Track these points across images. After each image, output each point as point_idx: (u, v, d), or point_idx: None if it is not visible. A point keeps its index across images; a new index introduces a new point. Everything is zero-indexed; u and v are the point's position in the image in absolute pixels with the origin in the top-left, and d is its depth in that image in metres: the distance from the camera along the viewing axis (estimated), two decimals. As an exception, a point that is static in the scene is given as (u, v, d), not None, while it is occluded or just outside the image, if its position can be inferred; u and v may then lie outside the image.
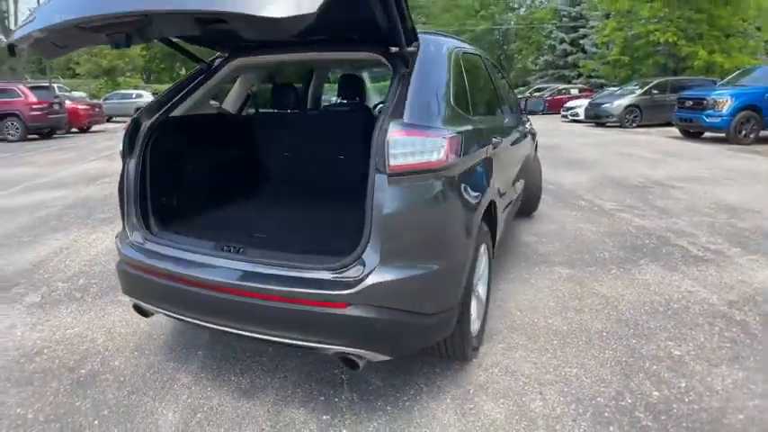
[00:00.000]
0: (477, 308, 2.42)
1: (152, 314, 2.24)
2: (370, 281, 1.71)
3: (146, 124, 2.21)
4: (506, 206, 2.99)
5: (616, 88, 16.83)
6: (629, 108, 14.27)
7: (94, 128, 17.32)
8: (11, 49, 1.75)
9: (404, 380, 2.24)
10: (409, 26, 1.91)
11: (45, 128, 13.88)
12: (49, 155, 10.97)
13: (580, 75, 26.83)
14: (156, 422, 2.01)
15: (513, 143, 3.37)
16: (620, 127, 14.62)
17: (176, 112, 2.33)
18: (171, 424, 1.99)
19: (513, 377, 2.26)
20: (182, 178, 2.39)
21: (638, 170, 7.35)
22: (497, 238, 2.76)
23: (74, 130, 16.02)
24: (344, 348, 1.78)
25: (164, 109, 2.27)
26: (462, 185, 1.96)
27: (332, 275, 1.76)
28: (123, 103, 21.60)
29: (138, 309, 2.22)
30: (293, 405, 2.11)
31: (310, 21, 1.27)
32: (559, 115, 18.82)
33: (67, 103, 15.02)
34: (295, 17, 1.24)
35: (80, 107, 15.88)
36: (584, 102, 17.06)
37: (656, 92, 14.56)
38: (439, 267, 1.85)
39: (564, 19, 29.42)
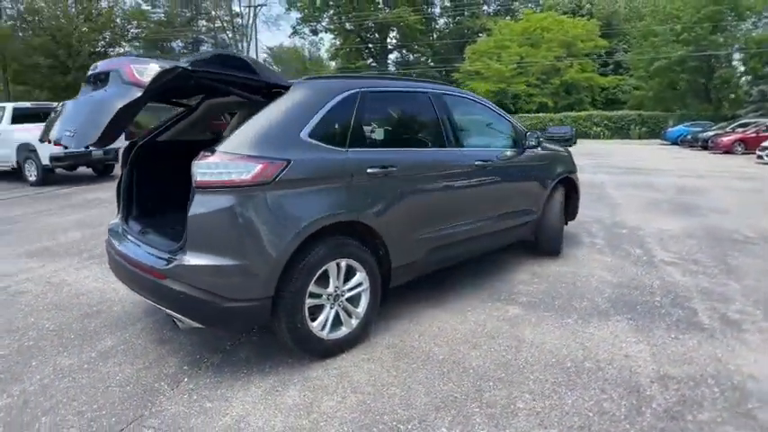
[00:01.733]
0: (342, 316, 2.67)
1: None
2: (178, 262, 2.25)
3: (138, 145, 3.14)
4: (426, 235, 3.06)
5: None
6: None
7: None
8: (49, 141, 2.84)
9: (260, 360, 2.64)
10: (256, 84, 2.45)
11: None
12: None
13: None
14: (98, 344, 2.85)
15: (469, 178, 3.37)
16: (832, 172, 11.12)
17: (163, 138, 3.22)
18: (104, 345, 2.82)
19: (340, 381, 2.44)
20: (156, 184, 3.21)
21: (765, 224, 5.79)
22: (398, 264, 2.91)
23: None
24: (169, 311, 2.34)
25: (152, 135, 3.18)
26: (278, 202, 2.31)
27: (167, 257, 2.34)
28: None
29: None
30: (177, 355, 2.71)
31: (104, 142, 2.17)
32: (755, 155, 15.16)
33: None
34: (86, 145, 2.23)
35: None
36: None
37: None
38: (240, 263, 2.25)
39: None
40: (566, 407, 2.22)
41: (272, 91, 2.60)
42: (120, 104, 2.07)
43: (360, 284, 2.74)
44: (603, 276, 3.97)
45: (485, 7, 51.31)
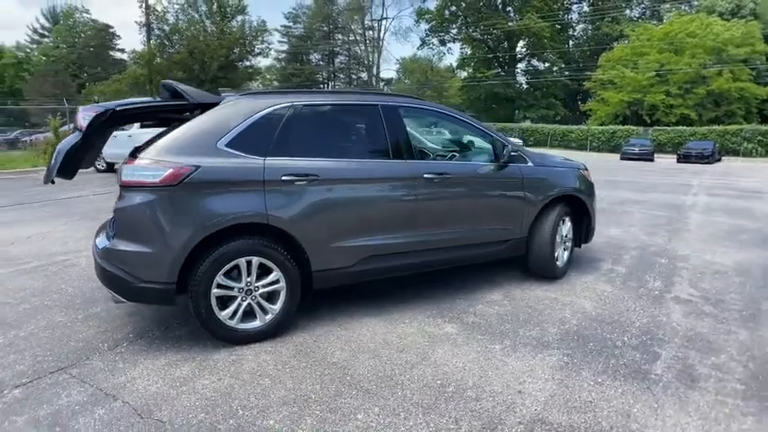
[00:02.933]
0: (256, 310, 2.88)
1: None
2: (108, 246, 2.69)
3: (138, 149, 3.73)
4: (358, 243, 3.10)
5: None
6: None
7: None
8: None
9: (190, 339, 2.95)
10: (184, 106, 2.88)
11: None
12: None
13: None
14: (90, 309, 3.44)
15: (416, 191, 3.30)
16: None
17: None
18: (93, 311, 3.39)
19: (229, 366, 2.64)
20: None
21: None
22: (320, 268, 3.03)
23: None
24: (105, 285, 2.79)
25: (150, 142, 3.74)
26: (184, 201, 2.61)
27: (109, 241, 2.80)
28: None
29: None
30: (133, 325, 3.16)
31: (67, 176, 2.79)
32: None
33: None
34: (49, 181, 2.73)
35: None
36: None
37: None
38: (147, 251, 2.60)
39: None
40: (402, 428, 2.13)
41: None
42: (67, 148, 2.63)
43: (276, 282, 2.92)
44: (584, 307, 3.52)
45: (627, 11, 46.61)
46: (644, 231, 6.06)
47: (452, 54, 65.87)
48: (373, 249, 3.20)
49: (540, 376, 2.56)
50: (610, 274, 4.34)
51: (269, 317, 2.92)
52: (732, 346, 2.91)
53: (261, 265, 2.86)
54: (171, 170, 2.60)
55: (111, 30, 47.24)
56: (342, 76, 56.97)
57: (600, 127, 33.42)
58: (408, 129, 3.52)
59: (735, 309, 3.49)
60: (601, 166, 17.25)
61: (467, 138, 3.87)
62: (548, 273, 4.06)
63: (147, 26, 18.67)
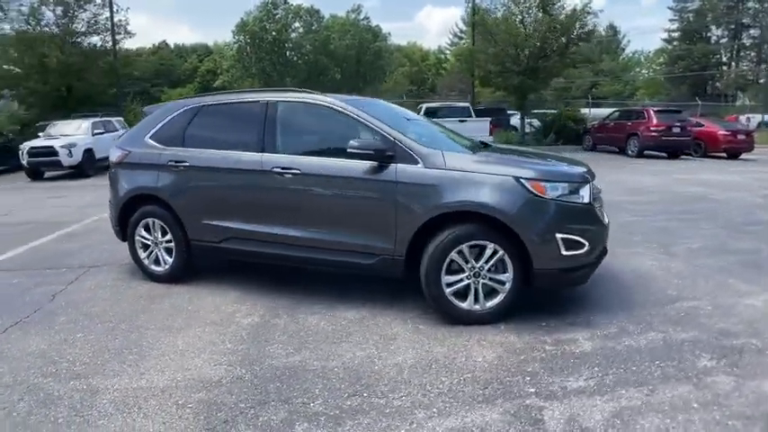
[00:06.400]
0: (160, 259, 3.95)
1: None
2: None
3: None
4: (219, 223, 3.60)
5: None
6: None
7: (743, 156, 15.33)
8: None
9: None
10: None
11: (658, 148, 14.40)
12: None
13: None
14: (108, 249, 5.41)
15: (266, 184, 3.41)
16: None
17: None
18: (103, 245, 5.26)
19: (123, 290, 3.84)
20: None
21: None
22: (193, 238, 3.74)
23: (719, 154, 15.10)
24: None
25: None
26: (122, 174, 3.96)
27: None
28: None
29: None
30: (114, 260, 4.84)
31: None
32: None
33: (705, 128, 14.80)
34: None
35: (720, 132, 14.89)
36: None
37: None
38: (112, 203, 4.13)
39: None
40: (75, 343, 2.77)
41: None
42: None
43: (171, 241, 3.86)
44: (395, 359, 2.61)
45: None
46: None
47: None
48: (233, 232, 3.59)
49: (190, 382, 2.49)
50: (552, 345, 2.71)
51: (167, 266, 3.92)
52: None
53: (162, 227, 3.88)
54: (120, 153, 4.01)
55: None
56: (751, 53, 42.66)
57: None
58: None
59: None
60: None
61: (351, 132, 3.35)
62: (444, 311, 3.06)
63: (472, 25, 20.15)
